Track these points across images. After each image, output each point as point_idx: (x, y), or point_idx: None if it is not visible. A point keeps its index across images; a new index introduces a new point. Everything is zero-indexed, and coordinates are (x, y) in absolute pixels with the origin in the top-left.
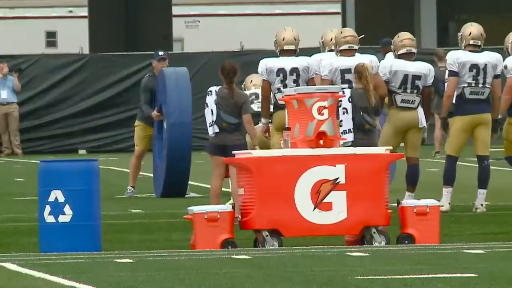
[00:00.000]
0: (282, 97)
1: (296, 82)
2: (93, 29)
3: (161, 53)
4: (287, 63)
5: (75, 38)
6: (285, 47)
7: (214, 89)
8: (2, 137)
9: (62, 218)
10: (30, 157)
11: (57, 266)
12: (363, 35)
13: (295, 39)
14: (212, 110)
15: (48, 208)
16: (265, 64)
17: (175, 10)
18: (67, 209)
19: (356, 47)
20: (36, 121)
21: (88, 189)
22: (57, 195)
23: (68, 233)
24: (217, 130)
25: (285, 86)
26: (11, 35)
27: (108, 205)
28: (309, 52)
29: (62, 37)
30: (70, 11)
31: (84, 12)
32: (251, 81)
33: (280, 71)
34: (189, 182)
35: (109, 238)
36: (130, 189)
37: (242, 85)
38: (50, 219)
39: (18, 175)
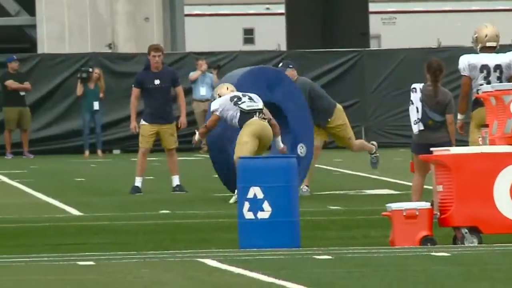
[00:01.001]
0: (480, 94)
1: (500, 79)
2: (290, 26)
3: None
4: (491, 59)
5: (272, 35)
6: (487, 44)
7: (418, 86)
8: None
9: (261, 215)
10: None
11: (256, 262)
12: None
13: (496, 36)
14: (417, 108)
15: (247, 205)
16: (467, 60)
17: (372, 7)
18: (266, 205)
19: None
20: None
21: (286, 186)
22: (255, 191)
23: (267, 230)
24: (421, 127)
25: (488, 82)
26: (210, 32)
27: (306, 202)
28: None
29: (260, 34)
30: (267, 8)
31: (281, 9)
32: (227, 88)
33: (484, 67)
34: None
35: (308, 234)
36: (305, 188)
37: (217, 94)
38: (249, 215)
39: None
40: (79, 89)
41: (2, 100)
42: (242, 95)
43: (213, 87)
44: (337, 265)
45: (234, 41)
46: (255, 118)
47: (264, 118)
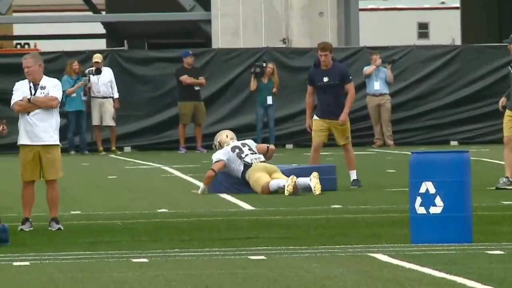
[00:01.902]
0: None
1: None
2: (465, 20)
3: None
4: None
5: (447, 29)
6: None
7: None
8: (374, 128)
9: (433, 210)
10: (402, 148)
11: (428, 257)
12: None
13: None
14: None
15: (419, 200)
16: None
17: None
18: (438, 200)
19: None
20: (409, 112)
21: (459, 181)
22: (428, 186)
23: (439, 225)
24: None
25: None
26: (384, 27)
27: (479, 197)
28: None
29: (434, 28)
30: (442, 2)
31: (456, 3)
32: (227, 135)
33: None
34: None
35: (480, 229)
36: (504, 180)
37: (217, 142)
38: (421, 210)
39: (390, 166)
40: (253, 84)
41: (177, 95)
42: (242, 145)
43: (387, 82)
44: (509, 261)
45: (409, 36)
46: (255, 163)
47: (262, 161)
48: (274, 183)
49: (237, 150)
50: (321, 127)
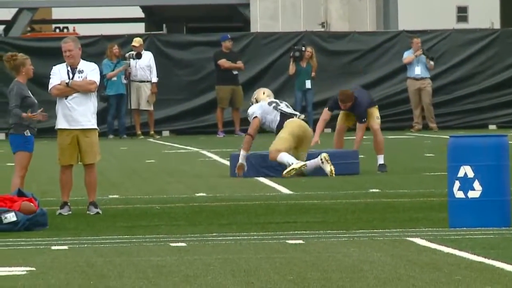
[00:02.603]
0: None
1: None
2: (504, 4)
3: None
4: None
5: (486, 13)
6: None
7: None
8: (414, 112)
9: (471, 194)
10: (441, 132)
11: (466, 241)
12: None
13: None
14: None
15: (457, 184)
16: None
17: None
18: (476, 184)
19: None
20: (448, 96)
21: (497, 165)
22: (466, 170)
23: (477, 209)
24: None
25: None
26: (422, 10)
27: None
28: None
29: (473, 11)
30: None
31: None
32: (263, 92)
33: None
34: None
35: None
36: None
37: (254, 99)
38: (459, 194)
39: (429, 150)
40: (292, 68)
41: (216, 79)
42: (280, 101)
43: (427, 67)
44: None
45: (447, 19)
46: (296, 118)
47: (304, 120)
48: (285, 157)
49: (273, 104)
50: (348, 113)
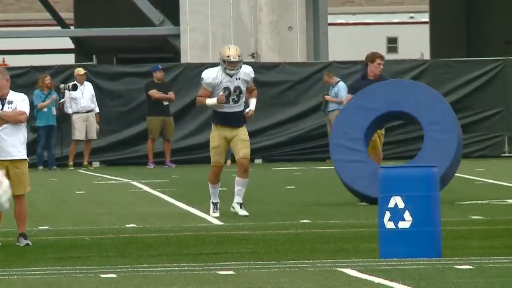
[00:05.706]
0: None
1: None
2: (434, 35)
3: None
4: None
5: (416, 44)
6: None
7: None
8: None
9: (402, 224)
10: None
11: (397, 272)
12: None
13: None
14: None
15: (388, 214)
16: None
17: None
18: (407, 215)
19: None
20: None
21: (428, 195)
22: (397, 201)
23: (408, 239)
24: None
25: None
26: (353, 41)
27: (448, 212)
28: None
29: (403, 42)
30: (411, 17)
31: (425, 18)
32: (229, 48)
33: None
34: None
35: (449, 244)
36: None
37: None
38: (390, 225)
39: None
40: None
41: (147, 109)
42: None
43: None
44: (478, 275)
45: (378, 50)
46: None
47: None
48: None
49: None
50: None
